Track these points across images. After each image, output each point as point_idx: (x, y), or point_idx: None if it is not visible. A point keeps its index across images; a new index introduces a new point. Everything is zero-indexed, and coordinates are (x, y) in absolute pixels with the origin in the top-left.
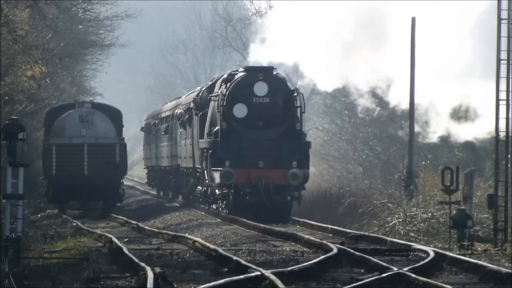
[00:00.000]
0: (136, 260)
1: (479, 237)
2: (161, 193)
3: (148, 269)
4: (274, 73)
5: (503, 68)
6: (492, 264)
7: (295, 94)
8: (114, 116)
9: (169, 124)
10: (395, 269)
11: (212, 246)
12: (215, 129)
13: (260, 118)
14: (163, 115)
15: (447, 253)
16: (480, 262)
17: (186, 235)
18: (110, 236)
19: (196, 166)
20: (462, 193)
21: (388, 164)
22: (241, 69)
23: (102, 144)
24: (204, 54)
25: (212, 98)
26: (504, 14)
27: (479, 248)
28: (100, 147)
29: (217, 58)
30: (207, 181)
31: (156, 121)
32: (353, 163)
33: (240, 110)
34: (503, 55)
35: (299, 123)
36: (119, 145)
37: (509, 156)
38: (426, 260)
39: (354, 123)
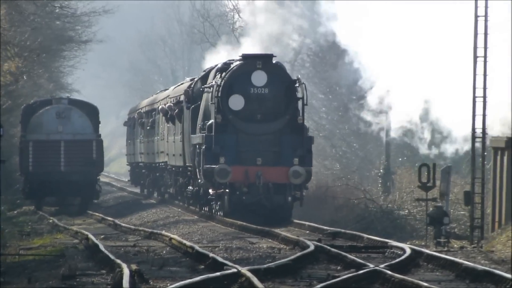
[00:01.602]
0: (112, 257)
1: (455, 234)
2: (145, 192)
3: (124, 266)
4: (274, 61)
5: (480, 65)
6: (468, 261)
7: (297, 84)
8: (91, 112)
9: (155, 119)
10: (371, 266)
11: (188, 243)
12: (208, 123)
13: (259, 111)
14: (149, 108)
15: (424, 250)
16: (456, 259)
17: (163, 232)
18: (86, 233)
19: (187, 164)
20: (438, 190)
21: (366, 161)
22: (237, 57)
23: (79, 141)
24: (183, 50)
25: (206, 89)
26: (481, 12)
27: (455, 245)
28: (77, 144)
29: (195, 54)
30: (199, 180)
31: (141, 115)
32: (330, 159)
33: (236, 102)
34: (480, 52)
35: (301, 116)
36: (96, 141)
37: (485, 153)
38: (403, 257)
39: (332, 120)
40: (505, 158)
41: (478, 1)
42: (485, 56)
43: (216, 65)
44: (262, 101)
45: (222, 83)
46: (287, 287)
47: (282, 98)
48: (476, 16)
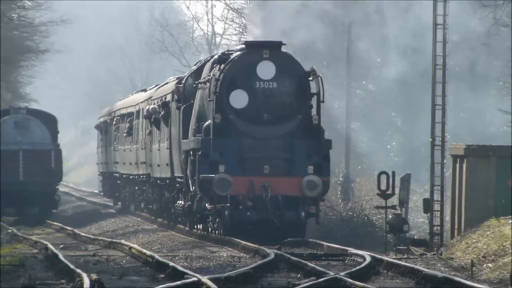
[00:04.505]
0: (72, 266)
1: (415, 241)
2: (119, 205)
3: (84, 275)
4: (283, 50)
5: (439, 74)
6: (428, 268)
7: (311, 77)
8: (50, 122)
9: (133, 124)
10: (331, 273)
11: (148, 252)
12: (205, 124)
13: (266, 109)
14: (124, 111)
15: (384, 257)
16: (416, 267)
17: (122, 241)
18: (45, 242)
19: (176, 175)
20: (398, 197)
21: None
22: (239, 47)
23: (38, 150)
24: (141, 59)
25: (200, 85)
26: (440, 20)
27: (415, 253)
28: (36, 153)
29: (154, 63)
30: (192, 193)
31: (115, 119)
32: None
33: (239, 99)
34: (439, 60)
35: (316, 115)
36: (55, 151)
37: (444, 161)
38: (363, 265)
39: None
40: (464, 165)
41: (437, 10)
42: (444, 64)
43: (212, 57)
44: (270, 97)
45: (222, 76)
46: None
47: (293, 94)
48: (435, 24)
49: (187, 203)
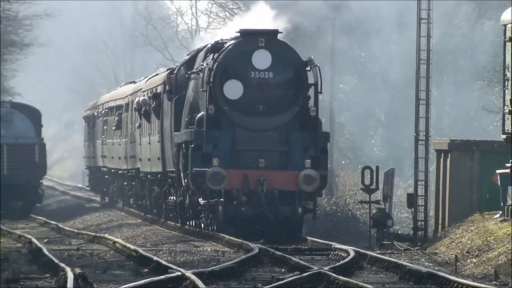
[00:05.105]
0: (56, 260)
1: (399, 236)
2: (106, 200)
3: (68, 269)
4: (280, 38)
5: (423, 68)
6: (412, 263)
7: (308, 67)
8: (33, 116)
9: (122, 117)
10: (315, 268)
11: (132, 247)
12: (198, 116)
13: (261, 100)
14: (113, 104)
15: (368, 252)
16: (400, 261)
17: (106, 235)
18: (29, 236)
19: (168, 169)
20: (382, 192)
21: None
22: (233, 35)
23: (22, 144)
24: (124, 53)
25: (193, 75)
26: (424, 14)
27: (399, 247)
28: (20, 147)
29: (137, 57)
30: (185, 188)
31: (103, 112)
32: None
33: (233, 89)
34: (423, 54)
35: (314, 106)
36: (39, 145)
37: (428, 155)
38: (347, 260)
39: None
40: (448, 160)
41: (421, 4)
42: (428, 59)
43: (205, 46)
44: (266, 88)
45: (215, 65)
46: None
47: (290, 85)
48: (419, 19)
49: (179, 198)
